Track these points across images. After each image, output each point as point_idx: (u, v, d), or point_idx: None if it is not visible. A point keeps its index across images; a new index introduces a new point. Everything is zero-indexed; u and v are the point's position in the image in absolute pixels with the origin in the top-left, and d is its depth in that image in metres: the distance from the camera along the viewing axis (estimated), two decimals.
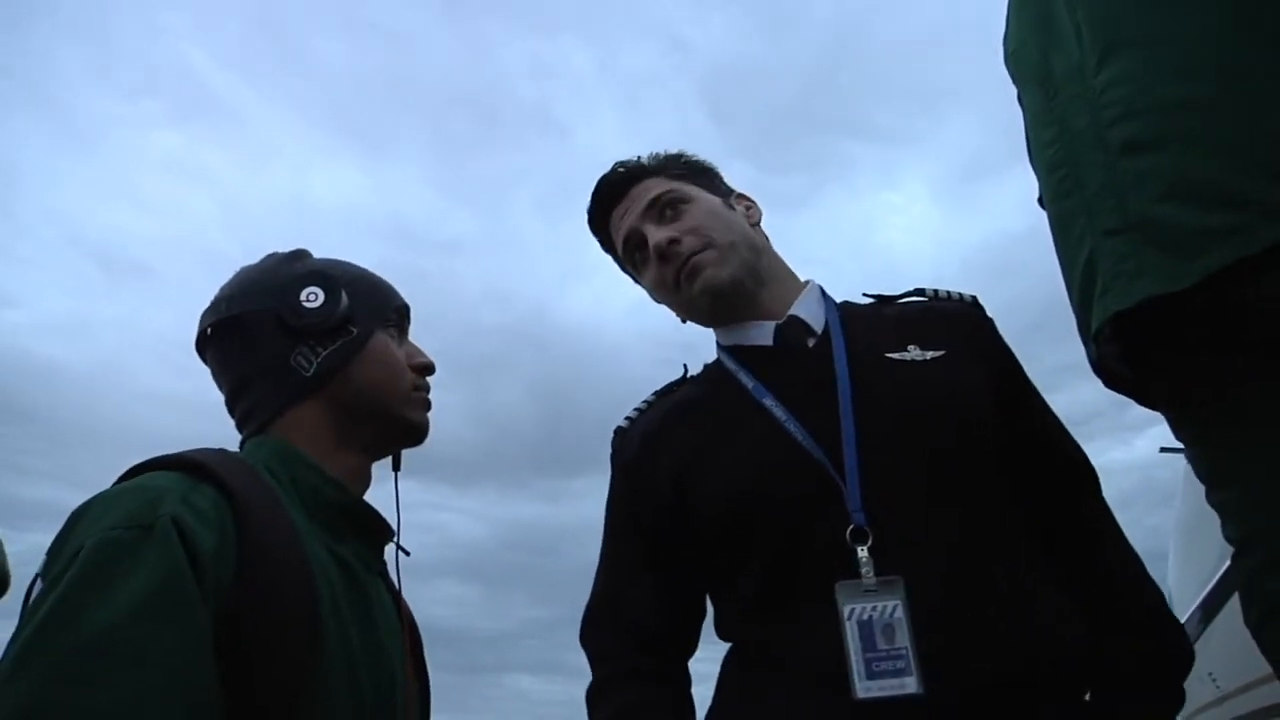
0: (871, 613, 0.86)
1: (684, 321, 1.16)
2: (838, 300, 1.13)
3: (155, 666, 0.64)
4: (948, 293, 1.12)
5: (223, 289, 0.99)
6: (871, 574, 0.87)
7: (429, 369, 1.02)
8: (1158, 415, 0.93)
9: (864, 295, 1.15)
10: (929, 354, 1.00)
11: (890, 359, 0.99)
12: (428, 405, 1.00)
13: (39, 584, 0.70)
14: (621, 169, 1.15)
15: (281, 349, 0.93)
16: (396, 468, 1.02)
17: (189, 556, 0.69)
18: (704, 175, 1.17)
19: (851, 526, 0.89)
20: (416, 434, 1.00)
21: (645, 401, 1.15)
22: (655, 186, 1.12)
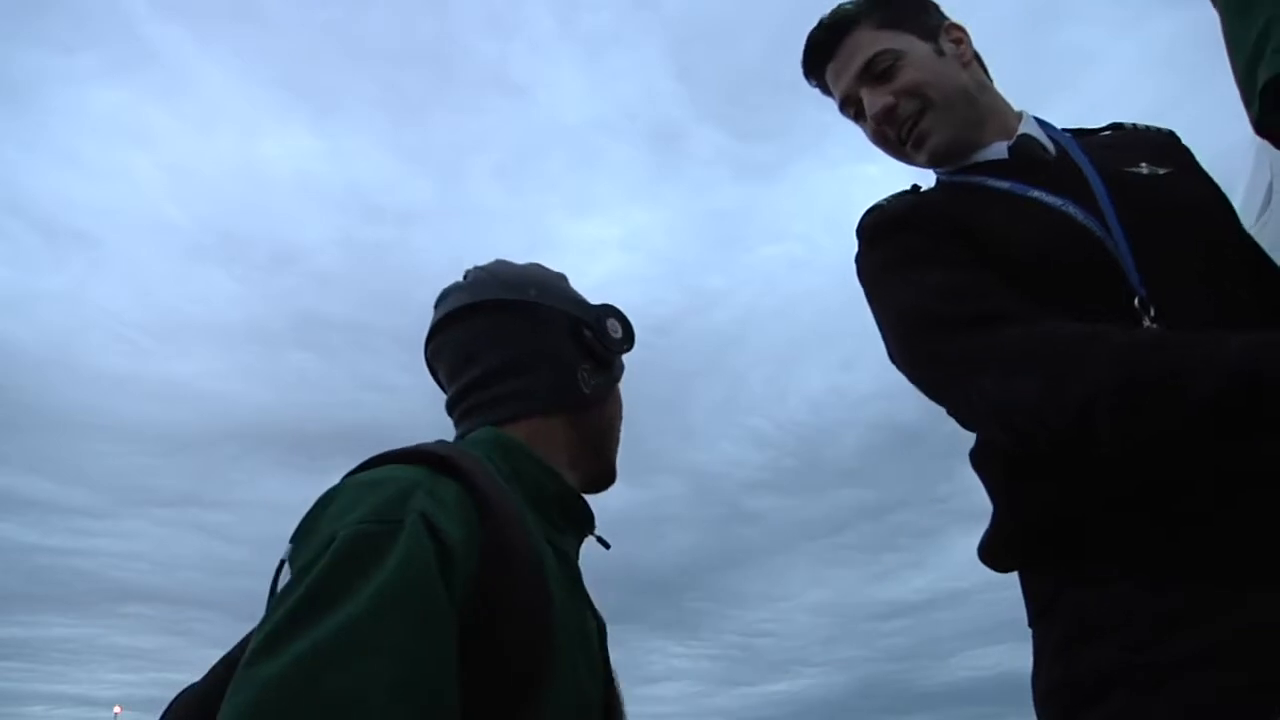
0: None
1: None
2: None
3: (390, 657, 0.64)
4: (1146, 126, 1.14)
5: (513, 273, 1.02)
6: None
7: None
8: None
9: (1064, 130, 1.14)
10: (1161, 170, 1.01)
11: (1128, 171, 1.01)
12: None
13: (285, 570, 0.70)
14: (828, 22, 1.13)
15: (573, 358, 0.98)
16: (592, 531, 0.99)
17: (438, 551, 0.70)
18: (912, 16, 1.13)
19: (1137, 297, 0.88)
20: (610, 481, 1.06)
21: (892, 195, 1.11)
22: (865, 44, 1.10)
